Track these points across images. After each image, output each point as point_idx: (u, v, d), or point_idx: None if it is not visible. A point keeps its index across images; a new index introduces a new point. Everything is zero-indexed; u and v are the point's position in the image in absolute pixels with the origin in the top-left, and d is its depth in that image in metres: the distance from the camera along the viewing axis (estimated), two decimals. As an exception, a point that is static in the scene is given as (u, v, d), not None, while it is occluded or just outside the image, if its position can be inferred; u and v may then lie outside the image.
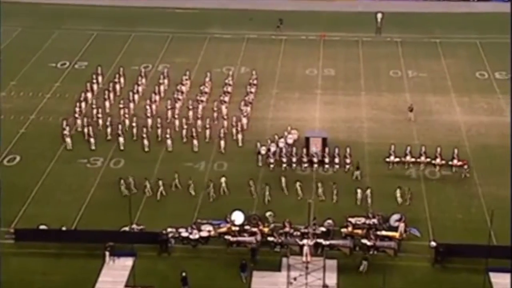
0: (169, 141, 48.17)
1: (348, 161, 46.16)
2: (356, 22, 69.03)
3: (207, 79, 55.85)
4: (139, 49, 63.99)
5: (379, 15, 66.89)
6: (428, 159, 45.84)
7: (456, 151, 45.74)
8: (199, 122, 50.15)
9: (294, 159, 46.58)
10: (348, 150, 46.60)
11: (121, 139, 48.37)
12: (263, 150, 46.94)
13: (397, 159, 46.13)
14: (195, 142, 48.11)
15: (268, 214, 41.14)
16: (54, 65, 60.93)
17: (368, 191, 42.67)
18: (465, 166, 45.59)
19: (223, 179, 43.77)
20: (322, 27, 67.83)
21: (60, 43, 65.48)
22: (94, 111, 51.20)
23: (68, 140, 48.36)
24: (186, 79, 56.01)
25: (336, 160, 46.38)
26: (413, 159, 46.01)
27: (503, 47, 63.24)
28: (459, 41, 65.11)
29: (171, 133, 48.73)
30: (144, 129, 49.34)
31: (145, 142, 48.23)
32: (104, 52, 63.15)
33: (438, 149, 45.73)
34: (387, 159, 46.27)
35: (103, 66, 59.20)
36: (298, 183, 43.59)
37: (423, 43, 64.88)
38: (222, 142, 48.11)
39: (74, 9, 72.83)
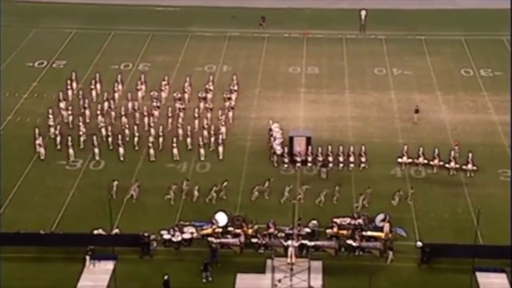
0: (151, 151, 46.69)
1: (363, 159, 45.70)
2: (340, 19, 68.69)
3: (186, 84, 53.71)
4: (119, 48, 63.12)
5: (363, 12, 66.58)
6: (441, 163, 44.99)
7: (470, 155, 44.68)
8: (180, 131, 48.40)
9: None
10: (363, 148, 45.97)
11: (121, 150, 46.53)
12: (278, 151, 46.34)
13: (410, 160, 45.39)
14: (175, 151, 46.70)
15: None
16: (31, 65, 59.89)
17: (368, 191, 42.25)
18: (456, 147, 45.44)
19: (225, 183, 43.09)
20: (305, 25, 67.42)
21: (38, 41, 64.44)
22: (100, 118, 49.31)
23: (70, 151, 46.45)
24: (165, 84, 54.00)
25: (330, 159, 45.82)
26: (425, 161, 45.14)
27: (488, 44, 63.46)
28: (444, 38, 64.92)
29: (174, 144, 46.93)
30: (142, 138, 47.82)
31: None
32: (83, 51, 62.20)
33: (452, 153, 44.91)
34: (399, 160, 45.58)
35: (82, 65, 58.49)
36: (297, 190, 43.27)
37: (407, 41, 64.58)
38: (221, 148, 46.99)
39: (52, 6, 71.78)
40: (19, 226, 39.89)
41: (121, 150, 46.51)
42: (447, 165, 44.87)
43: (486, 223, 38.55)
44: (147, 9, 71.64)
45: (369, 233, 39.32)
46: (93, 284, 36.91)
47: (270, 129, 48.21)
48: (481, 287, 36.77)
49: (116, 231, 39.46)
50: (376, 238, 39.05)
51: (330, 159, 45.64)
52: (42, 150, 46.68)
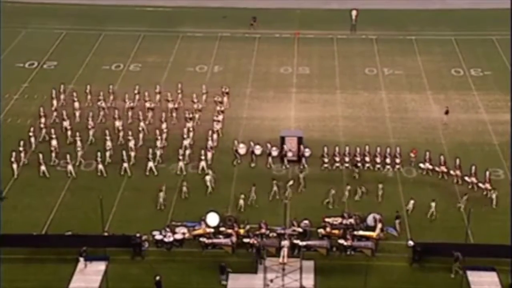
0: (180, 163, 45.29)
1: (398, 160, 45.43)
2: (330, 19, 68.72)
3: (178, 92, 52.29)
4: (109, 49, 62.92)
5: (354, 12, 66.65)
6: (460, 173, 44.35)
7: (488, 173, 43.70)
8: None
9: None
10: (398, 149, 45.91)
11: (150, 164, 45.05)
12: (274, 151, 46.23)
13: (431, 167, 45.11)
14: (202, 163, 45.63)
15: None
16: (21, 65, 59.66)
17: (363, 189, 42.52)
18: (413, 155, 45.62)
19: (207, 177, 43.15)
20: (296, 25, 67.41)
21: (28, 42, 64.11)
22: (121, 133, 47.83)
23: (100, 166, 44.96)
24: (136, 94, 51.95)
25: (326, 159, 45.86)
26: (445, 170, 44.73)
27: (478, 44, 63.57)
28: (434, 38, 65.04)
29: (202, 157, 45.79)
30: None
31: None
32: (74, 51, 62.00)
33: (473, 168, 44.16)
34: (421, 165, 45.33)
35: (73, 66, 58.44)
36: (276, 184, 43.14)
37: (398, 40, 64.67)
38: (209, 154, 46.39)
39: (42, 7, 71.51)
40: (9, 227, 39.74)
41: (150, 164, 45.04)
42: (467, 179, 44.09)
43: (477, 222, 38.70)
44: (137, 10, 71.45)
45: (361, 232, 39.36)
46: (85, 285, 36.79)
47: (236, 150, 46.82)
48: (472, 286, 36.90)
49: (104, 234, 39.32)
50: (367, 238, 39.09)
51: (337, 159, 45.68)
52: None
